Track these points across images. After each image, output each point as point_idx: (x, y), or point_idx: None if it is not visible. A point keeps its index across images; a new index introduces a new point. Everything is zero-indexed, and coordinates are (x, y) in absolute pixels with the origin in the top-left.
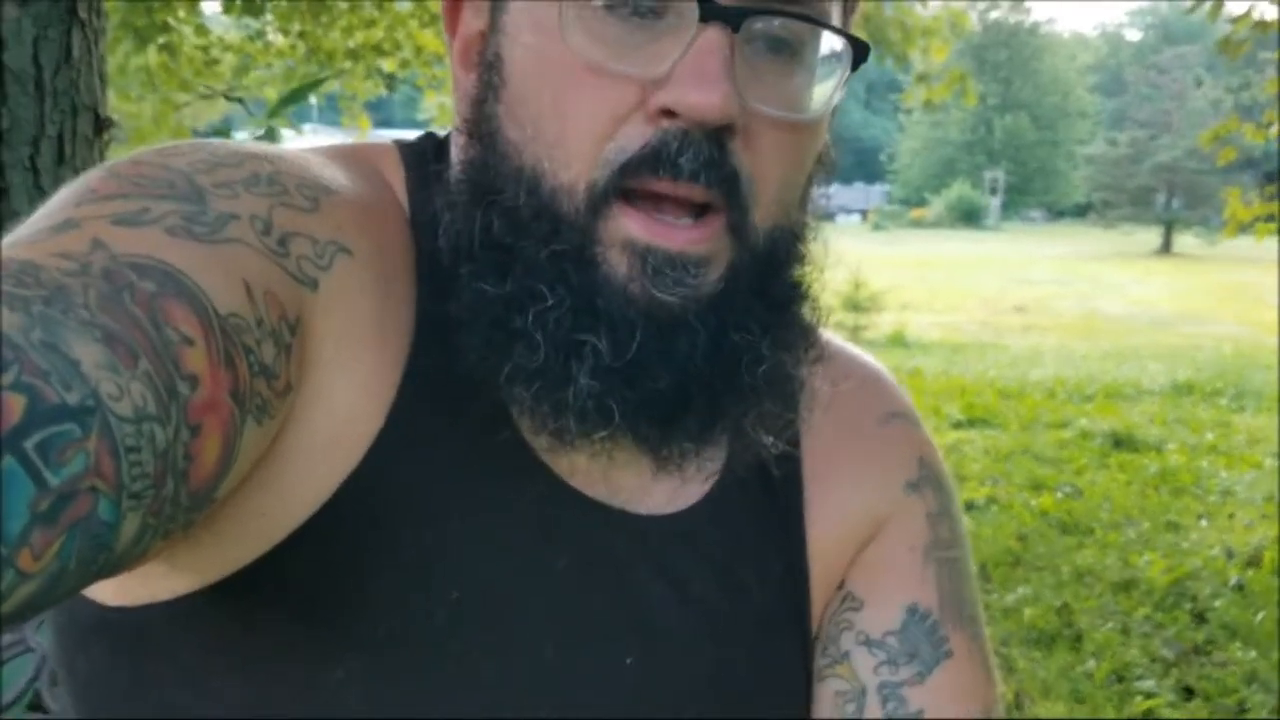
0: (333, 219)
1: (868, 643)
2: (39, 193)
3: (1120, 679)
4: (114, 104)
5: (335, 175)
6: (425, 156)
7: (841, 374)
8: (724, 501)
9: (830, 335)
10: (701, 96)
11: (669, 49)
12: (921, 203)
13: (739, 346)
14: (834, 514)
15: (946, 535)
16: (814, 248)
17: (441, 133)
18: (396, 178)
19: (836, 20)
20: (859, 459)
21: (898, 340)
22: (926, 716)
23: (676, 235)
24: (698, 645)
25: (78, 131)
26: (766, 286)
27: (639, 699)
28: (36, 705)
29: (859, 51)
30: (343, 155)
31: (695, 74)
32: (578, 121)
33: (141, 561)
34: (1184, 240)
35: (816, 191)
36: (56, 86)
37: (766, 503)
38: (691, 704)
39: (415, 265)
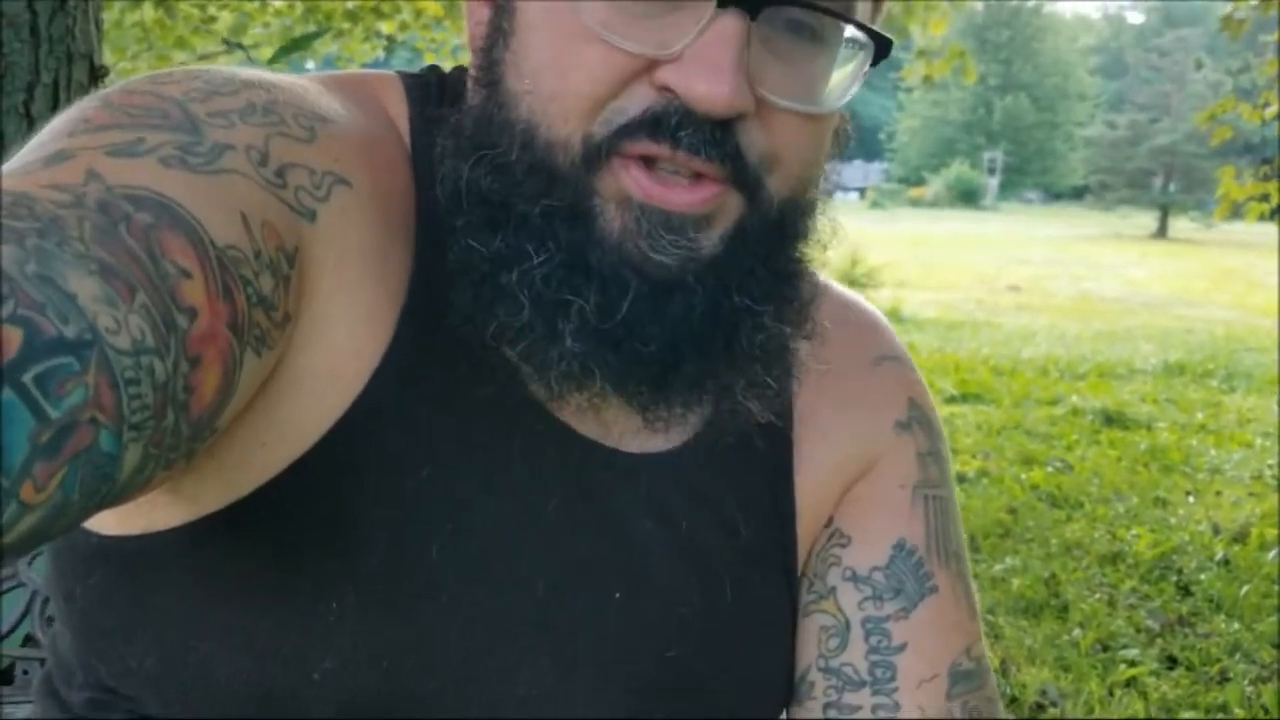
0: (331, 150)
1: (854, 578)
2: None
3: (1105, 648)
4: (109, 60)
5: (333, 105)
6: (429, 90)
7: (837, 316)
8: (713, 441)
9: (827, 279)
10: (709, 88)
11: (683, 26)
12: (920, 181)
13: (739, 311)
14: (823, 453)
15: (935, 474)
16: (821, 223)
17: (447, 68)
18: (398, 109)
19: (863, 11)
20: (850, 400)
21: (894, 316)
22: (909, 650)
23: (675, 195)
24: (685, 582)
25: (73, 79)
26: (775, 255)
27: (627, 634)
28: (30, 641)
29: (880, 47)
30: (343, 84)
31: (705, 62)
32: (579, 80)
33: (145, 491)
34: (1180, 224)
35: (829, 167)
36: (52, 33)
37: (756, 442)
38: (678, 639)
39: (414, 199)
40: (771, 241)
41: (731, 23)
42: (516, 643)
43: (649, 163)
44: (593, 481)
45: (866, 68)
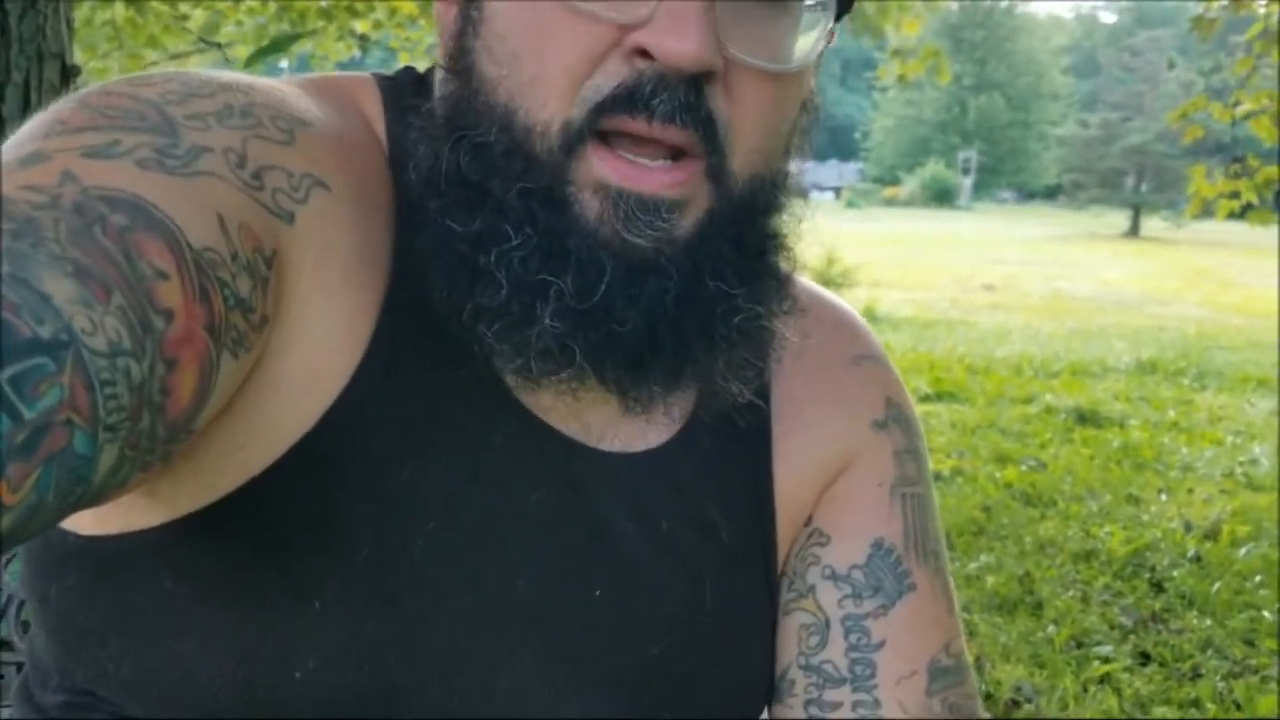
0: (308, 152)
1: (833, 576)
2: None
3: (1079, 644)
4: (80, 59)
5: (311, 107)
6: (404, 91)
7: (814, 317)
8: (694, 439)
9: (802, 279)
10: (679, 43)
11: None
12: (895, 181)
13: (714, 295)
14: (802, 452)
15: (912, 472)
16: (794, 199)
17: (422, 67)
18: (375, 111)
19: None
20: (828, 399)
21: (869, 316)
22: (889, 647)
23: (650, 178)
24: (665, 580)
25: (44, 78)
26: (744, 234)
27: (608, 632)
28: (6, 645)
29: (842, 2)
30: (319, 87)
31: (674, 20)
32: (555, 60)
33: (121, 493)
34: (1152, 223)
35: (803, 142)
36: (22, 32)
37: (736, 441)
38: (659, 637)
39: (393, 200)
40: (741, 220)
41: None
42: (500, 638)
43: (628, 141)
44: (574, 478)
45: (831, 24)
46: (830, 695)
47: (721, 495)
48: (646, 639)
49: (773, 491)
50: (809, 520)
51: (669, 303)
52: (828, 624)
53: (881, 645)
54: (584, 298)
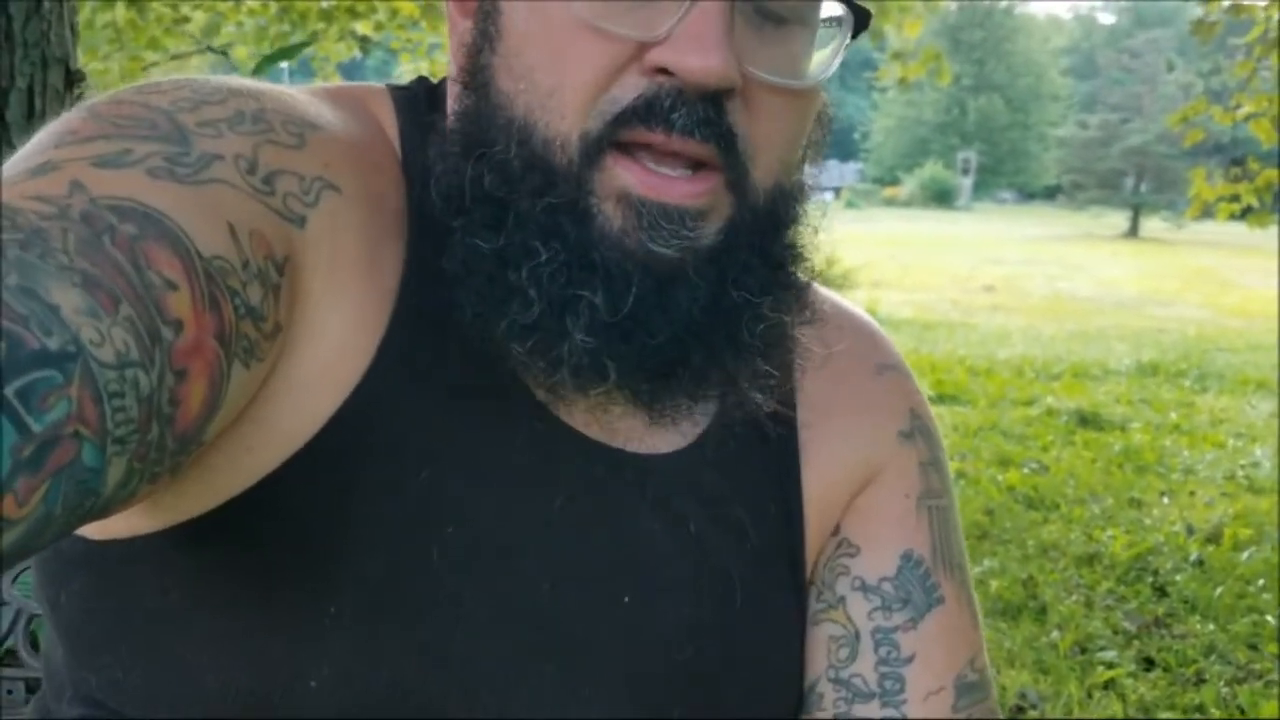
0: (320, 155)
1: (863, 588)
2: (9, 148)
3: (1083, 650)
4: (81, 61)
5: (323, 112)
6: (418, 100)
7: (835, 326)
8: (720, 442)
9: (823, 289)
10: (699, 61)
11: (667, 10)
12: (894, 181)
13: (738, 304)
14: (829, 460)
15: (937, 484)
16: (809, 207)
17: (423, 69)
18: (388, 119)
19: None
20: (853, 408)
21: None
22: (917, 662)
23: (672, 188)
24: (694, 583)
25: (48, 84)
26: (767, 245)
27: (634, 639)
28: (13, 658)
29: (860, 19)
30: (332, 94)
31: (694, 38)
32: (573, 74)
33: (130, 504)
34: (1151, 224)
35: (816, 152)
36: (27, 38)
37: (761, 446)
38: (687, 645)
39: (406, 204)
40: (763, 231)
41: (714, 4)
42: (522, 646)
43: (645, 151)
44: (599, 482)
45: (848, 40)
46: (859, 710)
47: (748, 498)
48: (674, 643)
49: (801, 496)
50: (837, 530)
51: (696, 313)
52: (857, 636)
53: (911, 660)
54: (614, 310)
